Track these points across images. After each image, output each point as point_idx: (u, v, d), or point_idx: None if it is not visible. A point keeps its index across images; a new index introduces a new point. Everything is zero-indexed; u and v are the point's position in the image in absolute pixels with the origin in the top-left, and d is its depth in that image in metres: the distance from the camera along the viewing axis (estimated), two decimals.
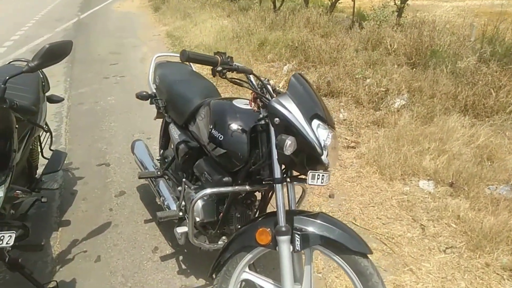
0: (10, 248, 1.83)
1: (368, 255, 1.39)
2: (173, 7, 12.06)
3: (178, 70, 2.42)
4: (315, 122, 1.37)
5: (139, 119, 4.25)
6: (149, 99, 2.58)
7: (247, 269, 1.55)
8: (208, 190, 1.61)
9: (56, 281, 1.98)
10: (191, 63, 2.61)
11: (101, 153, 3.44)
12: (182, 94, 2.06)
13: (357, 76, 4.68)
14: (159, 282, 2.05)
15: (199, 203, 1.84)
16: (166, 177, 2.30)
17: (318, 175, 1.38)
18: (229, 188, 1.62)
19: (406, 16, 7.71)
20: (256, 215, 1.81)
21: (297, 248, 1.39)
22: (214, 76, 1.43)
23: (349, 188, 2.73)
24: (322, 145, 1.36)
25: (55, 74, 6.03)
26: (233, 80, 1.46)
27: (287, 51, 5.69)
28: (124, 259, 2.20)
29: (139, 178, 2.32)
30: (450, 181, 2.60)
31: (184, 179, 1.97)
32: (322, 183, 1.40)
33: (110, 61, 6.84)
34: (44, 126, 2.44)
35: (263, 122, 1.51)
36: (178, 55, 2.63)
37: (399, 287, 1.89)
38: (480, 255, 2.04)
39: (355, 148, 3.19)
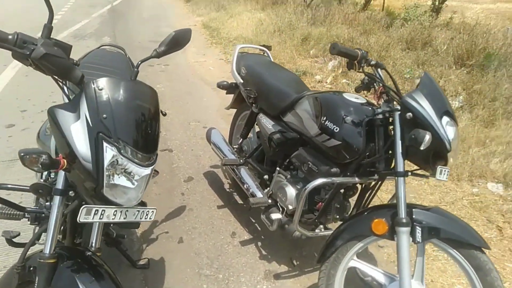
0: (112, 224, 1.91)
1: (485, 251, 1.42)
2: None
3: (261, 61, 2.47)
4: (445, 119, 1.41)
5: (191, 107, 4.33)
6: (228, 89, 2.65)
7: (355, 257, 1.61)
8: (320, 180, 1.66)
9: (148, 259, 2.07)
10: (269, 54, 2.67)
11: (162, 139, 3.52)
12: (276, 86, 2.11)
13: (406, 76, 4.69)
14: (243, 266, 2.12)
15: (293, 193, 1.91)
16: (248, 166, 2.36)
17: (444, 170, 1.43)
18: (341, 179, 1.67)
19: (438, 17, 7.64)
20: (355, 207, 1.85)
21: (418, 240, 1.43)
22: (349, 69, 1.49)
23: (417, 186, 2.76)
24: (450, 141, 1.40)
25: None
26: (368, 73, 1.51)
27: None
28: (205, 242, 2.28)
29: (223, 165, 2.38)
30: None
31: (278, 168, 2.03)
32: (446, 178, 1.44)
33: (151, 49, 6.86)
34: None
35: (381, 116, 1.55)
36: (259, 46, 2.71)
37: None
38: None
39: None
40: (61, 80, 1.27)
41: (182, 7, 12.46)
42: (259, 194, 2.15)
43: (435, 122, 1.38)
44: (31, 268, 1.22)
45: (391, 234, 1.47)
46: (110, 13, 10.75)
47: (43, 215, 1.67)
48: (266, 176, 2.19)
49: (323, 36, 6.10)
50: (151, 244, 2.24)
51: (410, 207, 1.47)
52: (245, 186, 2.24)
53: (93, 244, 1.37)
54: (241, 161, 2.35)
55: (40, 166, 1.10)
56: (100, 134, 1.14)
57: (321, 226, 1.87)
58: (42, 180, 1.82)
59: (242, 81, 2.37)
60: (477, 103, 3.55)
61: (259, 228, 2.42)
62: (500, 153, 2.87)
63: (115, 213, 1.22)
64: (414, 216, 1.45)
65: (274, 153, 2.08)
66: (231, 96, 2.73)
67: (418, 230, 1.43)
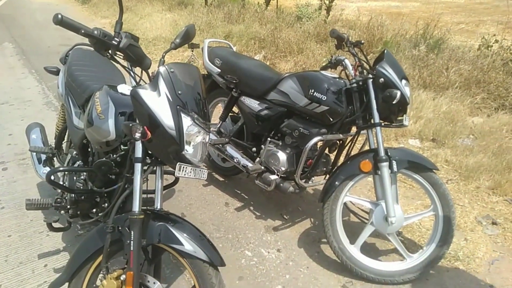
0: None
1: (435, 172, 2.03)
2: (107, 0, 11.69)
3: (230, 52, 2.82)
4: (403, 81, 1.98)
5: None
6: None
7: (348, 194, 2.10)
8: (316, 138, 2.11)
9: None
10: (231, 46, 3.02)
11: None
12: (255, 71, 2.49)
13: (323, 64, 5.43)
14: (245, 226, 2.47)
15: (285, 157, 2.33)
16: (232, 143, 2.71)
17: (406, 117, 2.00)
18: (330, 136, 2.15)
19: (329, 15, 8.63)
20: (335, 160, 2.36)
21: (395, 170, 1.97)
22: (338, 49, 1.98)
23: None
24: (409, 96, 1.98)
25: (14, 66, 5.75)
26: (350, 51, 2.00)
27: (256, 42, 6.22)
28: (205, 214, 2.57)
29: (212, 145, 2.67)
30: (432, 137, 3.43)
31: (269, 139, 2.42)
32: (408, 124, 2.02)
33: None
34: None
35: (355, 85, 2.07)
36: (223, 40, 3.06)
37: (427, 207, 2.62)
38: (471, 182, 2.87)
39: None
40: (128, 67, 1.51)
41: (79, 10, 11.79)
42: (250, 164, 2.52)
43: (399, 84, 1.94)
44: (119, 228, 1.44)
45: (375, 170, 2.00)
46: None
47: (82, 197, 1.84)
48: (254, 149, 2.57)
49: (243, 33, 6.59)
50: None
51: (385, 148, 2.02)
52: (235, 160, 2.59)
53: (158, 206, 1.61)
54: (226, 140, 2.68)
55: (140, 134, 1.35)
56: (178, 107, 1.43)
57: (312, 178, 2.34)
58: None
59: (219, 70, 2.68)
60: None
61: (246, 197, 2.79)
62: (412, 117, 3.69)
63: (190, 170, 1.50)
64: (389, 154, 1.99)
65: (261, 128, 2.48)
66: None
67: (394, 163, 1.98)
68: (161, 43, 7.15)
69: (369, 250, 2.27)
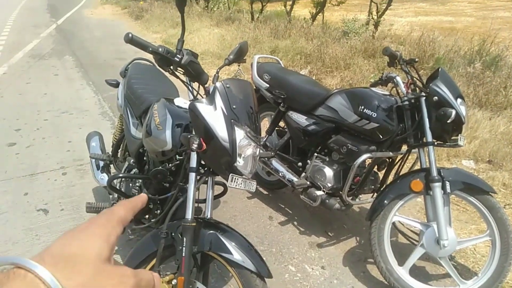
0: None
1: (493, 195, 1.93)
2: (158, 16, 12.26)
3: (279, 68, 2.87)
4: (459, 100, 1.91)
5: None
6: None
7: (397, 213, 2.05)
8: (366, 155, 2.09)
9: None
10: (280, 62, 3.07)
11: None
12: (304, 87, 2.52)
13: (371, 80, 5.35)
14: (289, 240, 2.47)
15: (331, 173, 2.32)
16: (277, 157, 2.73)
17: (462, 137, 1.93)
18: (380, 153, 2.11)
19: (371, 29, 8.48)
20: (384, 178, 2.31)
21: (448, 191, 1.90)
22: (390, 66, 1.95)
23: None
24: (464, 116, 1.91)
25: (73, 78, 6.17)
26: (403, 69, 1.98)
27: (302, 57, 6.26)
28: (249, 226, 2.60)
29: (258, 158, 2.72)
30: (488, 159, 3.26)
31: (315, 154, 2.42)
32: (463, 143, 1.95)
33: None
34: None
35: (407, 102, 2.03)
36: (271, 56, 3.11)
37: (482, 232, 2.48)
38: None
39: None
40: (187, 81, 1.59)
41: (132, 25, 12.45)
42: (295, 179, 2.52)
43: (454, 102, 1.88)
44: (172, 234, 1.50)
45: (426, 190, 1.94)
46: (59, 33, 10.49)
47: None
48: (300, 163, 2.58)
49: (289, 48, 6.66)
50: None
51: (438, 168, 1.95)
52: (280, 174, 2.60)
53: (208, 214, 1.66)
54: (272, 153, 2.71)
55: (197, 145, 1.42)
56: (232, 120, 1.48)
57: (360, 196, 2.31)
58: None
59: (267, 85, 2.74)
60: None
61: (290, 211, 2.79)
62: (467, 137, 3.53)
63: (241, 182, 1.54)
64: (442, 174, 1.92)
65: (308, 143, 2.49)
66: None
67: (447, 184, 1.91)
68: (208, 57, 7.39)
69: (418, 273, 2.18)
